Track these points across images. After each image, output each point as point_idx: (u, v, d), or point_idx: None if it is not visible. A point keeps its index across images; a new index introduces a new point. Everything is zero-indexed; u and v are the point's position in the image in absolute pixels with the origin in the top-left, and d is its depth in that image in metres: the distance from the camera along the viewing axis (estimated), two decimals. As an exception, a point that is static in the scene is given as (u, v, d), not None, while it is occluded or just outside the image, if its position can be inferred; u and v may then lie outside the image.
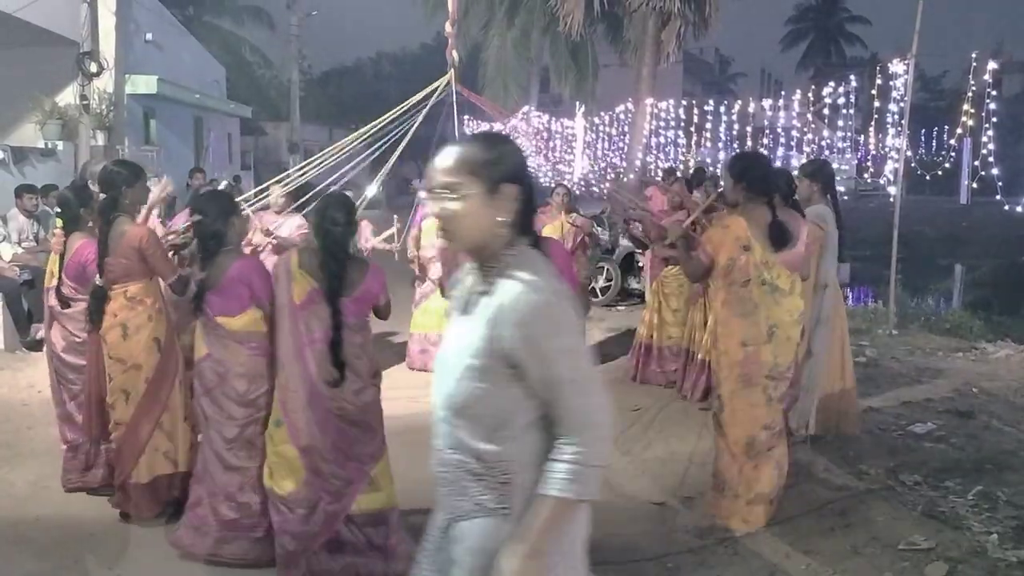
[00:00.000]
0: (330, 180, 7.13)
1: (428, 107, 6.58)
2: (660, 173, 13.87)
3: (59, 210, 4.99)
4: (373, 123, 6.67)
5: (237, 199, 5.07)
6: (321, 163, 6.77)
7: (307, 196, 7.78)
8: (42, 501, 4.86)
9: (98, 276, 4.52)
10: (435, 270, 7.55)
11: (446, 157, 2.03)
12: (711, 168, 15.86)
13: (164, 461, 4.50)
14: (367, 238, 7.84)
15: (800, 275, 4.56)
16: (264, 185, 6.74)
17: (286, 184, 7.15)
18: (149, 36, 17.24)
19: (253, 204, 6.59)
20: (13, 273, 8.49)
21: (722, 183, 4.87)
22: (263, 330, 4.05)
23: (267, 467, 3.88)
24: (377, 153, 7.36)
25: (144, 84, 16.25)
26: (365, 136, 6.95)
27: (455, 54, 6.32)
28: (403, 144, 6.61)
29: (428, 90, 6.52)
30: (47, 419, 5.10)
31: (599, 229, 12.42)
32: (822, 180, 5.65)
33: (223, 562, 4.04)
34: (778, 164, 14.50)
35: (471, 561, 2.06)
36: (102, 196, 4.58)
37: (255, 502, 4.04)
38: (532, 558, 1.96)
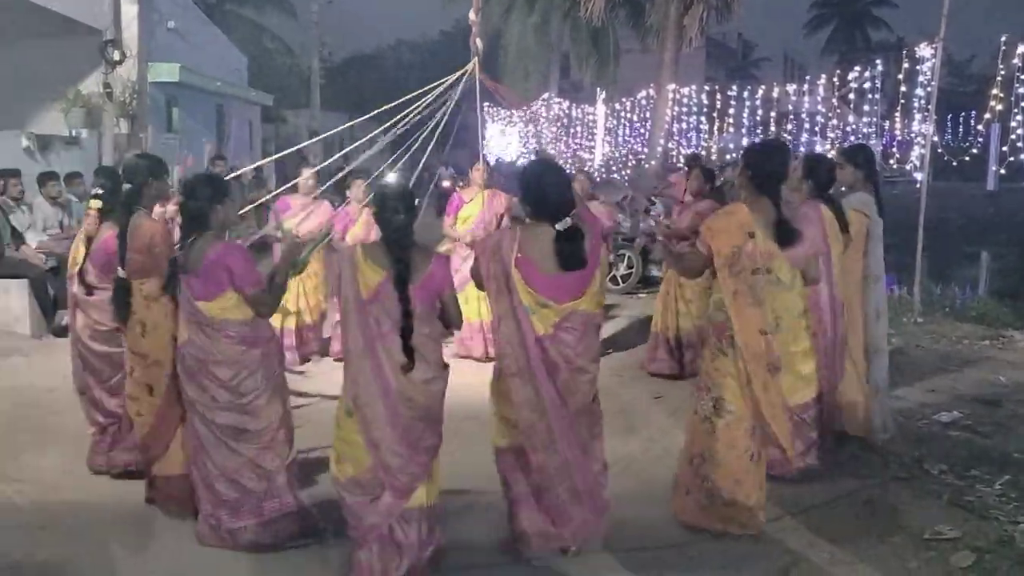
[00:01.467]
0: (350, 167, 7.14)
1: (454, 98, 6.54)
2: (682, 159, 13.77)
3: (98, 192, 4.88)
4: (398, 115, 6.63)
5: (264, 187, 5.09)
6: (344, 151, 6.77)
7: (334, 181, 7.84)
8: (68, 486, 4.90)
9: (120, 268, 4.52)
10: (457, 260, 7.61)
11: None
12: (733, 155, 15.74)
13: (186, 460, 4.41)
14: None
15: (808, 276, 4.46)
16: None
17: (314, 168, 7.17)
18: (171, 24, 17.31)
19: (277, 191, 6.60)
20: (39, 260, 8.57)
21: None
22: (241, 317, 4.03)
23: (334, 454, 3.84)
24: (399, 141, 7.34)
25: (166, 72, 16.33)
26: (387, 125, 6.93)
27: (479, 42, 6.26)
28: (424, 132, 6.58)
29: (452, 79, 6.47)
30: (73, 405, 5.15)
31: (621, 216, 12.40)
32: (865, 166, 5.36)
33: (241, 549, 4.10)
34: (801, 150, 14.38)
35: None
36: (126, 185, 4.57)
37: (256, 487, 4.08)
38: None
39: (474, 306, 7.57)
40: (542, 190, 3.83)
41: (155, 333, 4.46)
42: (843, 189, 5.52)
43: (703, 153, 17.22)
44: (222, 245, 4.07)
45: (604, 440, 4.07)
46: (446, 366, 3.86)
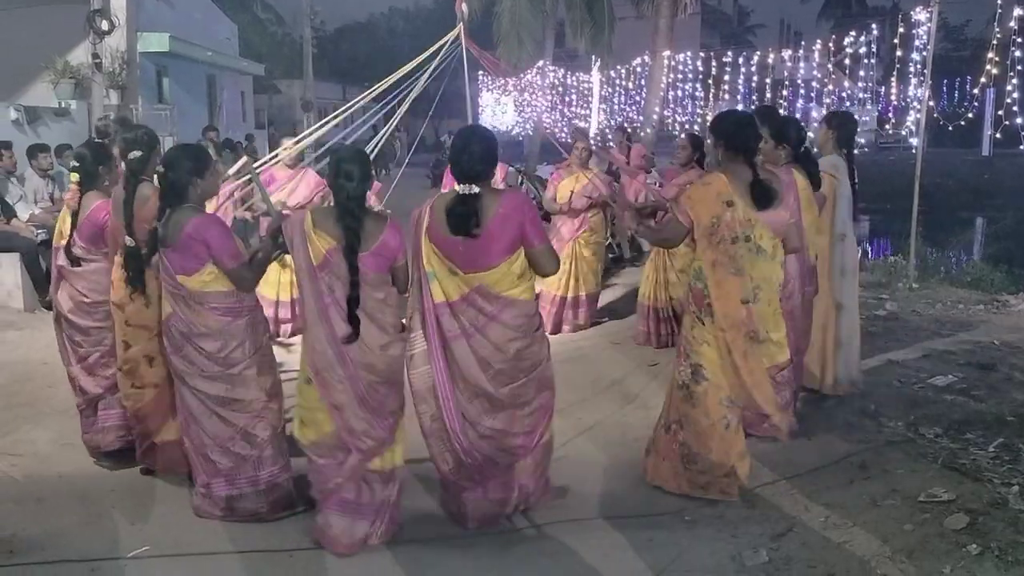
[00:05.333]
0: (340, 137, 7.07)
1: (437, 65, 6.46)
2: (678, 127, 13.67)
3: (75, 164, 4.85)
4: (381, 81, 6.56)
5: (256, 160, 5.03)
6: (333, 122, 6.69)
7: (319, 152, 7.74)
8: (64, 459, 4.91)
9: (128, 238, 4.43)
10: None
11: None
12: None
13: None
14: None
15: (788, 244, 4.34)
16: (277, 151, 6.67)
17: (297, 140, 7.10)
18: (160, -7, 17.12)
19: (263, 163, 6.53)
20: (30, 233, 8.52)
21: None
22: (223, 288, 3.99)
23: (297, 418, 3.90)
24: (385, 110, 7.26)
25: (156, 42, 16.15)
26: (378, 96, 6.86)
27: (464, 7, 6.19)
28: (408, 101, 6.51)
29: (436, 47, 6.39)
30: (67, 378, 5.13)
31: (616, 186, 12.34)
32: (841, 131, 5.55)
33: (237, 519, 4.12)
34: (797, 116, 14.30)
35: None
36: (134, 153, 4.49)
37: (249, 454, 4.09)
38: None
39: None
40: (456, 154, 3.85)
41: (159, 304, 4.43)
42: (815, 150, 5.71)
43: (699, 120, 17.14)
44: (198, 218, 3.99)
45: (537, 438, 4.02)
46: (403, 329, 3.89)
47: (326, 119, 6.89)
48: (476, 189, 3.75)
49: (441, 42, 6.26)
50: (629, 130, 12.53)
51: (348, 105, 6.69)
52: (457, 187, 3.78)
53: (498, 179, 7.93)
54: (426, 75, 6.38)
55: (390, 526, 3.95)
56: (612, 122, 22.22)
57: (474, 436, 3.90)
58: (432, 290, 3.83)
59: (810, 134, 6.33)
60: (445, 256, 3.80)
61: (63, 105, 12.90)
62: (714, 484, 4.34)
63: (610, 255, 10.69)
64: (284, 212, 4.83)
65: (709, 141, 4.55)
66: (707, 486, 4.35)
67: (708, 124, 4.66)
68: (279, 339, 7.34)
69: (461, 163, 3.81)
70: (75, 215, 4.77)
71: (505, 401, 3.89)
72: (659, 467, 4.50)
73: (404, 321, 3.94)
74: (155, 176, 4.23)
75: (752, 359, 4.23)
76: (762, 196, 4.17)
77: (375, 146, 6.69)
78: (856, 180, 5.58)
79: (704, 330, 4.27)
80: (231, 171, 5.93)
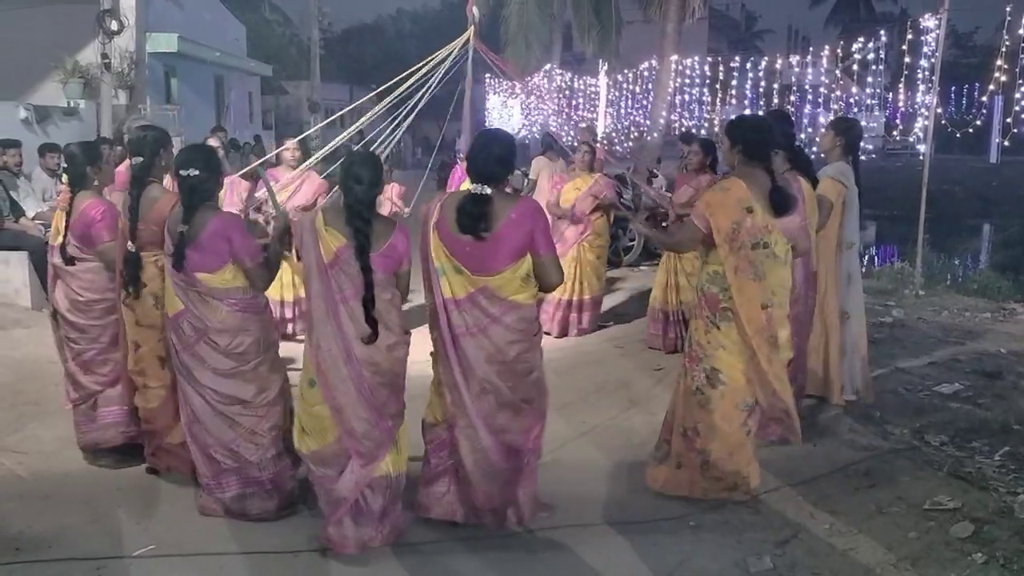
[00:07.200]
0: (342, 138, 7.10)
1: (448, 68, 6.48)
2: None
3: (65, 166, 4.89)
4: (392, 85, 6.58)
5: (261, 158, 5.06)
6: (342, 125, 6.71)
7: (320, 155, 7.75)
8: (70, 457, 4.91)
9: (130, 242, 4.45)
10: None
11: None
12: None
13: None
14: (391, 199, 7.88)
15: (798, 248, 4.33)
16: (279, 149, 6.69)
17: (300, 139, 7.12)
18: (169, -7, 17.19)
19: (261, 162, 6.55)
20: (38, 232, 8.54)
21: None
22: (241, 285, 4.05)
23: (298, 426, 3.89)
24: (398, 115, 7.28)
25: (165, 42, 16.22)
26: (385, 98, 6.86)
27: (475, 10, 6.21)
28: (421, 103, 6.53)
29: (447, 49, 6.41)
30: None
31: (623, 189, 12.35)
32: (848, 138, 5.47)
33: (241, 519, 4.13)
34: (804, 122, 14.28)
35: None
36: (136, 158, 4.50)
37: (254, 454, 4.10)
38: None
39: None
40: (474, 154, 3.88)
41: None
42: (822, 155, 5.72)
43: (705, 125, 17.12)
44: (222, 218, 4.06)
45: (533, 438, 3.95)
46: (408, 332, 3.86)
47: (329, 119, 6.92)
48: (488, 190, 3.75)
49: (451, 46, 6.28)
50: (597, 133, 12.48)
51: (361, 110, 6.71)
52: (470, 186, 3.78)
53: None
54: (437, 81, 6.40)
55: (393, 530, 3.92)
56: (619, 126, 22.22)
57: (484, 434, 3.86)
58: (441, 285, 3.82)
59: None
60: (452, 254, 3.80)
61: (72, 104, 12.95)
62: (728, 489, 4.34)
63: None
64: (292, 217, 4.82)
65: (723, 145, 4.46)
66: (720, 489, 4.34)
67: (724, 127, 4.58)
68: (297, 337, 7.31)
69: (477, 163, 3.82)
70: (68, 215, 4.76)
71: (512, 398, 3.86)
72: (676, 476, 4.43)
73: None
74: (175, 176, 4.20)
75: (775, 363, 4.21)
76: (781, 203, 4.15)
77: (385, 150, 6.71)
78: (860, 188, 5.50)
79: (719, 334, 4.22)
80: (240, 173, 5.96)
